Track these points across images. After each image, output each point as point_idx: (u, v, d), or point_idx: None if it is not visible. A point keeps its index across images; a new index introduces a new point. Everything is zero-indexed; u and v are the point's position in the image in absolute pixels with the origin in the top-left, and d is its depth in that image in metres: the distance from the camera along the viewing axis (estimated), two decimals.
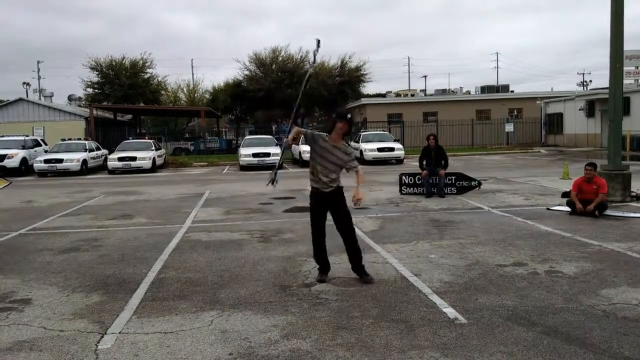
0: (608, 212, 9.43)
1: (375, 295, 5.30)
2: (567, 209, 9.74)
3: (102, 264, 6.87)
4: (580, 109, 34.44)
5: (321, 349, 4.05)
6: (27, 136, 26.76)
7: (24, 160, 23.54)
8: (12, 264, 6.97)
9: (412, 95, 58.09)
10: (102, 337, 4.40)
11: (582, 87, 62.18)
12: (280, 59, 42.56)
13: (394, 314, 4.76)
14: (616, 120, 11.29)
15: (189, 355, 4.00)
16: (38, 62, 64.14)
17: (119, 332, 4.48)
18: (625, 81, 25.05)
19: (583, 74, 69.75)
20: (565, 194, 10.66)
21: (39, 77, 62.67)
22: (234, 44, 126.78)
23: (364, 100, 42.19)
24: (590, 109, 33.54)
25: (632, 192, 11.09)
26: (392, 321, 4.59)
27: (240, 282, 5.90)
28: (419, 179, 12.90)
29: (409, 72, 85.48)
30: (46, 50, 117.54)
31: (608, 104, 11.75)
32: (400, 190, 13.09)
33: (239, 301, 5.23)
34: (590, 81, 67.49)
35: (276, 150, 24.46)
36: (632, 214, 9.48)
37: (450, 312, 4.77)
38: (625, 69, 17.48)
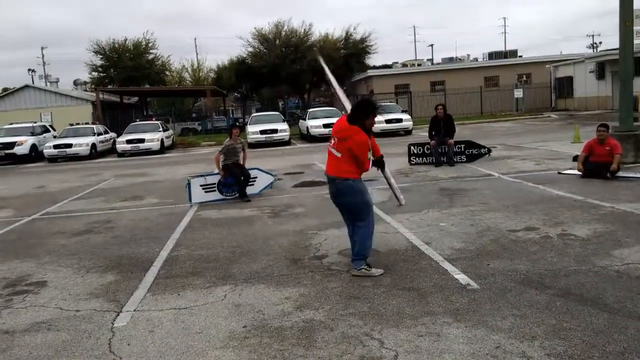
0: (620, 173, 9.32)
1: (386, 264, 5.31)
2: (579, 172, 9.65)
3: (115, 245, 6.94)
4: (590, 72, 33.84)
5: (334, 318, 4.07)
6: (36, 123, 26.86)
7: (33, 147, 23.66)
8: (27, 248, 7.06)
9: (419, 65, 57.38)
10: (118, 315, 4.46)
11: (592, 50, 61.08)
12: (284, 33, 42.04)
13: (406, 283, 4.77)
14: (627, 80, 11.08)
15: (204, 329, 4.04)
16: (42, 48, 64.06)
17: (134, 310, 4.54)
18: (636, 41, 24.53)
19: (592, 35, 68.80)
20: (576, 158, 10.53)
21: (44, 63, 62.57)
22: (239, 22, 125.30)
23: (370, 72, 41.74)
24: (600, 71, 32.94)
25: None
26: (404, 289, 4.60)
27: (252, 257, 5.94)
28: (427, 149, 12.81)
29: (414, 41, 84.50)
30: (50, 35, 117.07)
31: (618, 65, 11.53)
32: (409, 160, 13.02)
33: (252, 275, 5.27)
34: (600, 43, 66.36)
35: (284, 126, 24.33)
36: None
37: (462, 278, 4.77)
38: (635, 28, 17.06)
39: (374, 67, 46.02)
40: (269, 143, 23.27)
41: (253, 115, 30.65)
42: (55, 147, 22.78)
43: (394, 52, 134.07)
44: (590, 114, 30.12)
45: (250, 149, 23.12)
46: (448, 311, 4.07)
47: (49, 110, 32.88)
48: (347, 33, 42.82)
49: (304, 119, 26.42)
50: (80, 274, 5.72)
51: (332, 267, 5.38)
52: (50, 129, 27.22)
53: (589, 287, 4.37)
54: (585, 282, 4.48)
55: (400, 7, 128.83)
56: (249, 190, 9.86)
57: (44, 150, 22.91)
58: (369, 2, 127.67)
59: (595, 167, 9.34)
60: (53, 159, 22.72)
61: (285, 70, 39.90)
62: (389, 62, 58.27)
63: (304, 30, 42.17)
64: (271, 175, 10.58)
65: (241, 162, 9.94)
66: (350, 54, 42.22)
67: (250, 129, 24.15)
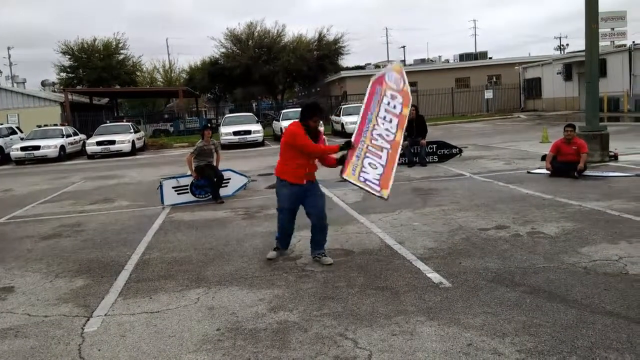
0: (587, 172, 9.56)
1: (360, 264, 5.33)
2: (547, 171, 9.85)
3: (85, 249, 6.80)
4: (557, 73, 34.60)
5: (308, 319, 4.07)
6: (2, 124, 26.17)
7: None
8: None
9: None
10: (88, 320, 4.37)
11: (559, 52, 62.41)
12: (256, 34, 41.84)
13: (380, 282, 4.79)
14: (593, 82, 11.36)
15: (176, 333, 4.00)
16: (8, 48, 62.40)
17: (105, 315, 4.46)
18: (601, 43, 25.17)
19: (560, 38, 70.22)
20: (545, 158, 10.76)
21: (11, 64, 60.92)
22: (212, 22, 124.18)
23: (343, 73, 41.87)
24: (567, 72, 33.72)
25: (610, 152, 11.24)
26: (378, 289, 4.63)
27: (225, 259, 5.89)
28: (400, 149, 12.89)
29: (387, 43, 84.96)
30: (17, 36, 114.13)
31: (585, 66, 11.81)
32: None
33: (225, 278, 5.23)
34: (567, 45, 67.88)
35: (257, 127, 24.22)
36: (610, 173, 9.62)
37: (434, 277, 4.82)
38: (601, 30, 17.54)
39: (347, 69, 46.17)
40: (243, 144, 23.15)
41: (226, 116, 30.44)
42: (23, 149, 22.24)
43: (367, 54, 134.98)
44: (558, 114, 30.79)
45: (224, 150, 22.95)
46: (421, 310, 4.11)
47: (16, 112, 32.05)
48: (320, 34, 42.83)
49: (278, 120, 26.37)
50: (49, 279, 5.59)
51: (306, 268, 5.38)
52: (17, 130, 26.56)
53: (557, 284, 4.46)
54: (554, 279, 4.58)
55: (374, 9, 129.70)
56: (223, 191, 9.79)
57: (11, 153, 22.35)
58: (342, 4, 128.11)
59: (563, 166, 9.55)
60: (20, 162, 22.17)
61: (258, 71, 39.70)
62: (362, 64, 58.51)
63: (277, 31, 42.08)
64: (245, 176, 10.52)
65: (214, 164, 9.86)
66: (323, 55, 42.20)
67: (224, 130, 23.99)
